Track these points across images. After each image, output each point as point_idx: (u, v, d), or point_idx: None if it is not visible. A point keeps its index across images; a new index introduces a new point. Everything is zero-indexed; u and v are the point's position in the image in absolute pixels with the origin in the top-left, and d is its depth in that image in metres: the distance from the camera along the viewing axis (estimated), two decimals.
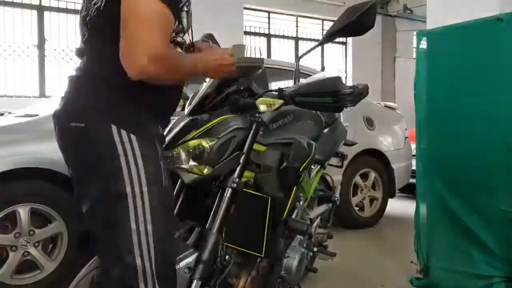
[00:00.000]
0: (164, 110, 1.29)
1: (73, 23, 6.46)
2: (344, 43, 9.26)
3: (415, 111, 2.70)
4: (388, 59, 9.50)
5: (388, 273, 2.97)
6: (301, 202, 1.97)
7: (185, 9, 1.23)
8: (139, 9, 1.07)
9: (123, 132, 1.14)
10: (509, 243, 2.26)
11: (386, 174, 4.31)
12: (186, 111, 1.54)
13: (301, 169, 1.67)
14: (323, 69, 8.72)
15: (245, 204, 1.48)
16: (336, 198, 2.51)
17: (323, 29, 8.97)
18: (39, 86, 6.22)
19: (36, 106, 3.46)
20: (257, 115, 1.52)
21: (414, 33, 7.87)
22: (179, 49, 1.27)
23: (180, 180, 1.52)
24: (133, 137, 1.15)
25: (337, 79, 1.37)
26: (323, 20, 8.95)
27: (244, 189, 1.48)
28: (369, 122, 4.26)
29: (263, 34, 8.35)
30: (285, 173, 1.62)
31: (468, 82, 2.42)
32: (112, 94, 1.17)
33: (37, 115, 2.79)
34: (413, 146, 2.76)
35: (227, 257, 1.45)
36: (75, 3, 6.47)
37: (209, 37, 1.79)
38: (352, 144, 2.72)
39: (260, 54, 1.83)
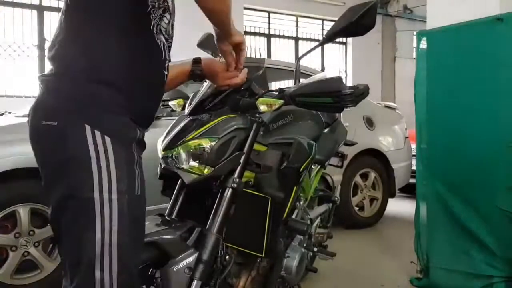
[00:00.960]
0: (145, 111, 1.17)
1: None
2: (344, 43, 9.27)
3: (415, 111, 2.70)
4: (388, 59, 9.50)
5: (388, 273, 2.98)
6: (301, 202, 1.98)
7: None
8: None
9: (97, 133, 1.05)
10: (509, 243, 2.26)
11: (386, 174, 4.32)
12: (187, 111, 1.53)
13: (301, 169, 1.67)
14: (323, 69, 8.73)
15: (245, 204, 1.48)
16: (336, 198, 2.51)
17: (323, 29, 8.97)
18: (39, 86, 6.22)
19: None
20: (257, 115, 1.52)
21: (414, 33, 7.87)
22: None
23: (180, 180, 1.52)
24: (107, 139, 1.05)
25: (338, 79, 1.37)
26: (323, 20, 8.95)
27: (244, 189, 1.48)
28: (369, 122, 4.26)
29: (263, 34, 8.35)
30: (286, 173, 1.62)
31: (468, 82, 2.42)
32: (89, 91, 1.06)
33: None
34: (413, 146, 2.76)
35: (227, 257, 1.45)
36: None
37: (210, 37, 1.79)
38: (352, 144, 2.73)
39: (260, 55, 1.84)
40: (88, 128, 1.05)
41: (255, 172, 1.57)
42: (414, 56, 2.92)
